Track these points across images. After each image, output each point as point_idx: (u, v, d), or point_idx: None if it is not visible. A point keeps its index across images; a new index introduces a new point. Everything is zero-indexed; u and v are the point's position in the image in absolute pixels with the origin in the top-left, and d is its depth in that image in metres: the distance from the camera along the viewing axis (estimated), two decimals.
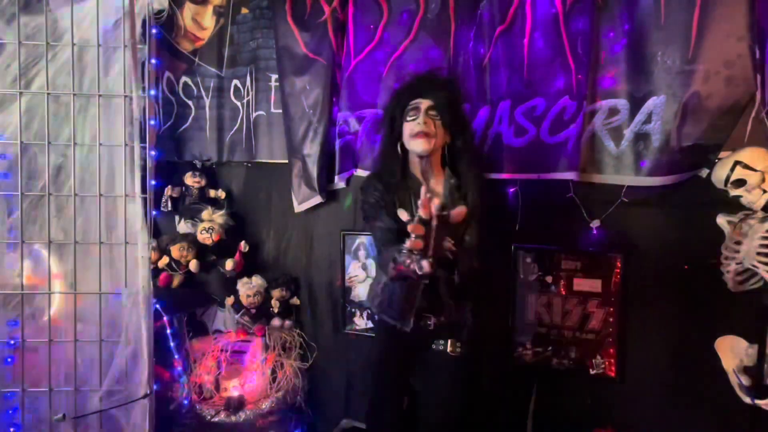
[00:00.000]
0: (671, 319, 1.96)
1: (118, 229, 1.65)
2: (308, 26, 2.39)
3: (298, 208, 2.52)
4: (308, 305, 2.63)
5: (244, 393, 2.42)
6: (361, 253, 2.47)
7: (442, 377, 1.73)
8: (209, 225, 2.58)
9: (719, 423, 1.89)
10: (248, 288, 2.51)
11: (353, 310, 2.52)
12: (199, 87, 2.72)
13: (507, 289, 2.19)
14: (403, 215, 1.25)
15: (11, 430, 1.69)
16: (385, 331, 1.85)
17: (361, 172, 2.39)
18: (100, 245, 1.64)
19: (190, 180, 2.70)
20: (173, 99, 2.75)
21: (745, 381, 1.75)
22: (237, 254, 2.58)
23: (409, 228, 1.18)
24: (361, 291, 2.49)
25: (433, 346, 1.75)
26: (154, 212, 1.78)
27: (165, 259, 2.53)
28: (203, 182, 2.71)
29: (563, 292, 2.12)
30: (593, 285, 2.06)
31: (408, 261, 1.25)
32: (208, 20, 2.69)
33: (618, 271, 2.01)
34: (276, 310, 2.57)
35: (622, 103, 1.93)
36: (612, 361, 2.05)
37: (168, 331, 2.37)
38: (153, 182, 1.69)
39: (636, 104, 1.90)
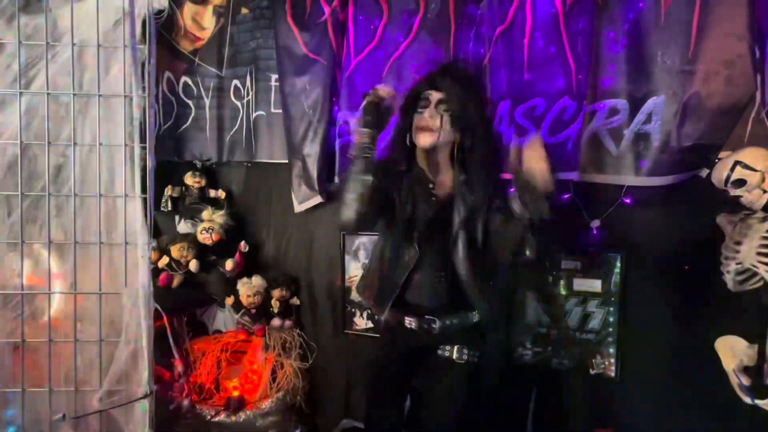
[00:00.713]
0: (671, 319, 1.96)
1: (118, 229, 1.65)
2: (308, 26, 2.39)
3: (298, 208, 2.52)
4: (308, 305, 2.63)
5: (244, 393, 2.42)
6: (361, 254, 2.47)
7: (446, 381, 1.71)
8: (209, 225, 2.58)
9: (719, 423, 1.89)
10: (248, 288, 2.51)
11: (353, 310, 2.52)
12: (199, 87, 2.72)
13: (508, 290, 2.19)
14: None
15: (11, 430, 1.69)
16: (389, 333, 1.84)
17: None
18: (100, 245, 1.63)
19: (190, 180, 2.70)
20: (173, 99, 2.75)
21: (745, 381, 1.75)
22: (237, 254, 2.59)
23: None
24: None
25: (439, 352, 1.71)
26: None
27: (165, 259, 2.53)
28: (203, 182, 2.71)
29: (563, 292, 2.12)
30: (593, 285, 2.06)
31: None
32: (208, 20, 2.69)
33: (618, 271, 2.01)
34: (276, 310, 2.57)
35: (622, 103, 1.93)
36: (612, 361, 2.05)
37: (168, 331, 2.37)
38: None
39: (636, 104, 1.90)
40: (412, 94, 1.69)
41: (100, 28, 1.59)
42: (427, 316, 1.68)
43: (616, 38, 1.92)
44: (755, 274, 1.70)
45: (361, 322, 2.50)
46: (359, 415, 2.49)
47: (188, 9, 2.70)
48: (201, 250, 2.59)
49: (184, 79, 2.74)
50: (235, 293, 2.55)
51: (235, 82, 2.66)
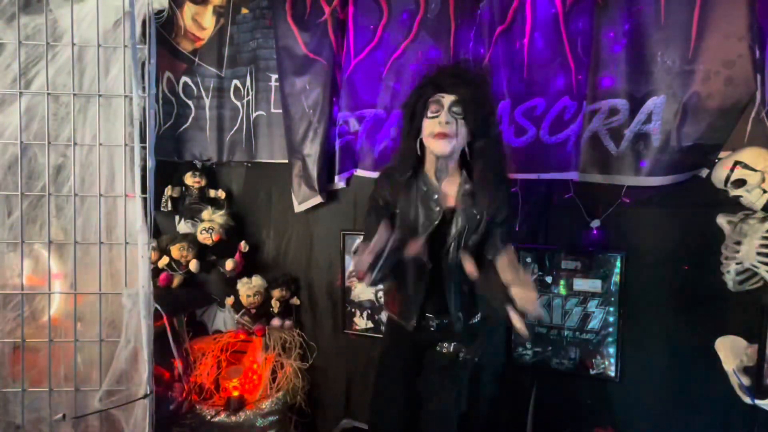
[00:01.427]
0: (671, 319, 1.96)
1: (118, 229, 1.65)
2: (308, 26, 2.39)
3: (298, 208, 2.52)
4: (308, 305, 2.63)
5: (244, 393, 2.42)
6: None
7: (445, 379, 1.71)
8: (209, 225, 2.58)
9: (719, 423, 1.89)
10: (248, 288, 2.51)
11: (353, 310, 2.52)
12: (199, 87, 2.72)
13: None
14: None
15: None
16: (390, 331, 1.84)
17: (362, 172, 2.39)
18: (100, 245, 1.64)
19: (190, 180, 2.70)
20: (173, 99, 2.75)
21: (745, 381, 1.75)
22: (237, 254, 2.59)
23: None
24: (361, 291, 2.49)
25: (437, 348, 1.73)
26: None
27: (165, 259, 2.53)
28: (203, 182, 2.71)
29: (563, 292, 2.12)
30: (593, 285, 2.06)
31: None
32: (208, 20, 2.69)
33: (618, 271, 2.01)
34: (276, 310, 2.57)
35: (622, 103, 1.93)
36: (612, 361, 2.05)
37: (168, 331, 2.37)
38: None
39: (636, 104, 1.90)
40: (418, 99, 1.61)
41: (100, 28, 1.59)
42: (454, 343, 1.70)
43: (616, 38, 1.92)
44: (755, 274, 1.70)
45: (361, 322, 2.50)
46: (359, 415, 2.49)
47: (188, 9, 2.70)
48: (201, 250, 2.59)
49: (184, 79, 2.74)
50: (235, 293, 2.56)
51: (235, 82, 2.66)
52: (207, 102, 2.72)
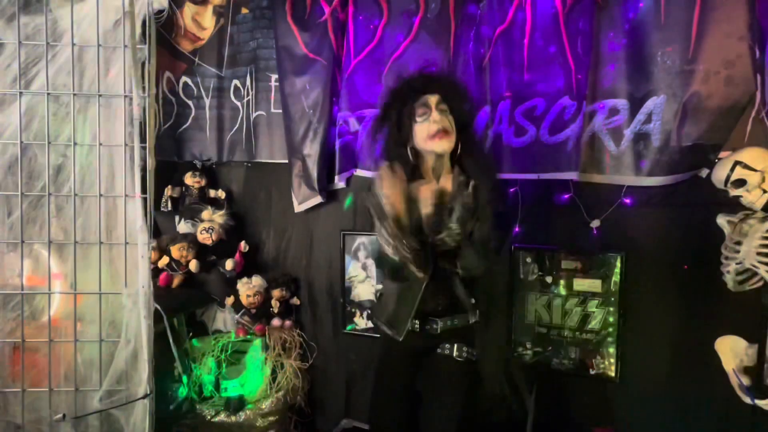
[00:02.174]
0: (671, 319, 1.96)
1: (118, 229, 1.65)
2: (308, 26, 2.39)
3: (298, 208, 2.52)
4: (308, 305, 2.63)
5: (243, 393, 2.42)
6: (361, 253, 2.47)
7: (446, 380, 1.71)
8: (209, 225, 2.58)
9: (719, 423, 1.89)
10: (248, 288, 2.51)
11: (353, 310, 2.52)
12: (199, 87, 2.72)
13: (507, 290, 2.19)
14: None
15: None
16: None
17: (361, 172, 2.39)
18: (100, 245, 1.64)
19: (190, 180, 2.70)
20: (173, 99, 2.76)
21: (745, 381, 1.75)
22: (237, 254, 2.59)
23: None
24: (361, 291, 2.49)
25: (438, 350, 1.71)
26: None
27: (165, 259, 2.53)
28: (203, 182, 2.71)
29: (563, 292, 2.12)
30: (593, 285, 2.06)
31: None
32: (208, 20, 2.69)
33: (618, 271, 2.01)
34: (276, 310, 2.57)
35: (622, 103, 1.93)
36: (612, 361, 2.05)
37: (168, 331, 2.37)
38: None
39: (636, 104, 1.90)
40: (402, 107, 1.63)
41: (100, 28, 1.59)
42: (429, 318, 1.67)
43: (616, 38, 1.92)
44: (755, 274, 1.70)
45: (361, 322, 2.50)
46: (359, 415, 2.49)
47: (188, 9, 2.70)
48: (201, 250, 2.59)
49: (184, 79, 2.74)
50: (235, 293, 2.56)
51: (235, 82, 2.66)
52: (207, 102, 2.72)
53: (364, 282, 2.47)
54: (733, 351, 1.81)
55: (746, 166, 1.68)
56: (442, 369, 1.71)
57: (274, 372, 2.48)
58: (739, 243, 1.71)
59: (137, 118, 1.56)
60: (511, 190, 2.13)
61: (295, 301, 2.63)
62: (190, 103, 2.75)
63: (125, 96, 1.60)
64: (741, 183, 1.69)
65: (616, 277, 2.02)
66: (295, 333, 2.56)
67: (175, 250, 2.52)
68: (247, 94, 2.64)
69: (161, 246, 2.55)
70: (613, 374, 2.05)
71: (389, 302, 1.74)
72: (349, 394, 2.54)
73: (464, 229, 1.61)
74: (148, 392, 1.62)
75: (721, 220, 1.78)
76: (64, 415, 1.59)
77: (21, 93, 1.61)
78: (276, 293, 2.55)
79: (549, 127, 2.02)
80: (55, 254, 1.67)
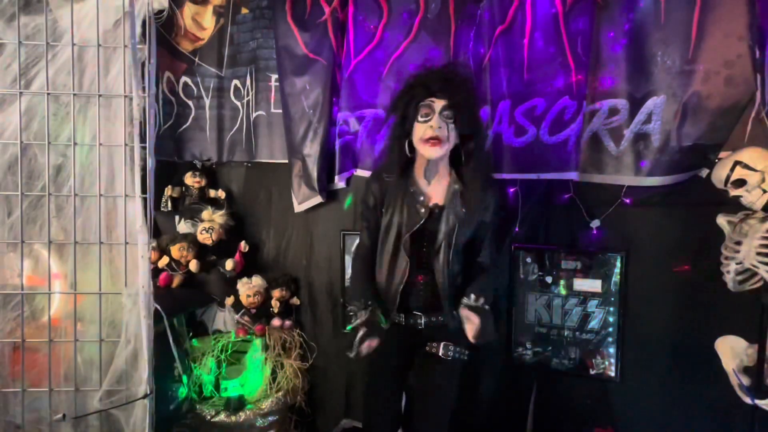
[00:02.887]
0: (671, 319, 1.96)
1: (118, 229, 1.65)
2: (308, 26, 2.39)
3: (298, 208, 2.52)
4: (308, 305, 2.63)
5: (243, 393, 2.42)
6: None
7: (437, 378, 1.72)
8: (209, 225, 2.58)
9: (719, 423, 1.89)
10: (248, 288, 2.51)
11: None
12: (199, 87, 2.72)
13: (507, 289, 2.19)
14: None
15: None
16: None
17: (361, 172, 2.39)
18: (100, 245, 1.64)
19: (190, 180, 2.70)
20: (173, 99, 2.75)
21: (745, 381, 1.75)
22: (237, 254, 2.59)
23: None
24: None
25: (426, 348, 1.74)
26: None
27: (165, 259, 2.53)
28: (203, 182, 2.71)
29: (563, 292, 2.12)
30: (593, 285, 2.06)
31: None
32: (208, 20, 2.69)
33: (618, 271, 2.01)
34: (276, 310, 2.57)
35: (622, 103, 1.93)
36: (612, 361, 2.05)
37: (168, 331, 2.37)
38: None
39: (636, 104, 1.90)
40: (408, 102, 1.66)
41: (100, 28, 1.59)
42: (443, 343, 1.71)
43: (616, 38, 1.92)
44: (755, 274, 1.70)
45: None
46: (359, 415, 2.49)
47: (188, 9, 2.70)
48: (201, 250, 2.59)
49: (184, 79, 2.74)
50: (235, 293, 2.55)
51: (235, 82, 2.66)
52: (207, 102, 2.72)
53: None
54: (733, 351, 1.81)
55: (746, 166, 1.68)
56: (431, 368, 1.73)
57: (274, 372, 2.48)
58: (739, 243, 1.71)
59: (137, 118, 1.56)
60: (511, 190, 2.13)
61: (295, 301, 2.63)
62: (190, 103, 2.75)
63: (125, 96, 1.60)
64: (741, 183, 1.69)
65: (616, 277, 2.02)
66: (295, 333, 2.56)
67: (175, 250, 2.52)
68: (247, 94, 2.64)
69: (161, 246, 2.55)
70: (613, 374, 2.05)
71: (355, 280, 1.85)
72: (349, 394, 2.54)
73: (455, 236, 1.63)
74: (148, 392, 1.62)
75: (721, 220, 1.78)
76: (64, 415, 1.59)
77: (21, 93, 1.61)
78: (276, 293, 2.55)
79: (549, 127, 2.02)
80: (55, 254, 1.67)
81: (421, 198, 1.69)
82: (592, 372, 2.09)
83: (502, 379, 2.23)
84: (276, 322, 2.55)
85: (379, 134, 2.31)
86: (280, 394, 2.43)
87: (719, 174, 1.75)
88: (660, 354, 1.98)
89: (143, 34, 1.60)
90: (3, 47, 1.63)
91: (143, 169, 1.59)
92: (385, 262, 1.73)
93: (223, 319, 2.74)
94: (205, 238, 2.57)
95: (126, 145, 1.61)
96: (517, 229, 2.14)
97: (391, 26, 2.24)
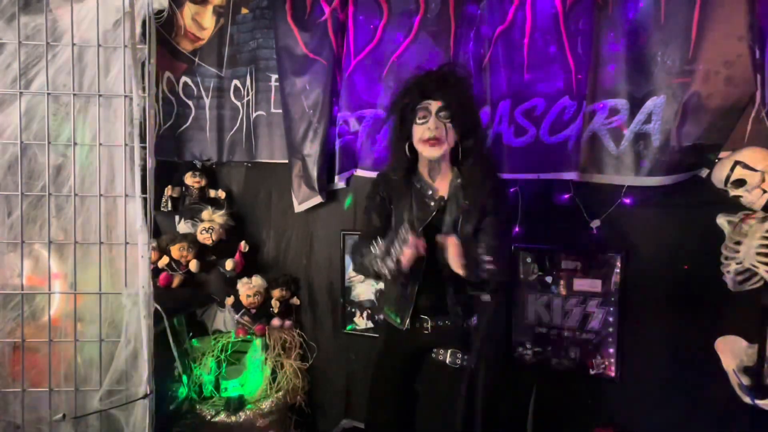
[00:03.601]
0: (671, 319, 1.96)
1: (118, 229, 1.65)
2: (308, 26, 2.39)
3: (298, 208, 2.52)
4: (308, 305, 2.63)
5: (243, 393, 2.42)
6: None
7: (443, 384, 1.72)
8: (209, 225, 2.58)
9: (719, 423, 1.89)
10: (248, 288, 2.51)
11: (353, 310, 2.51)
12: (199, 87, 2.72)
13: (507, 289, 2.19)
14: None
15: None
16: (386, 333, 1.84)
17: (361, 172, 2.39)
18: (100, 245, 1.63)
19: (190, 180, 2.70)
20: (173, 99, 2.75)
21: (745, 381, 1.75)
22: (237, 254, 2.59)
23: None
24: (361, 291, 2.49)
25: (432, 356, 1.73)
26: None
27: (165, 259, 2.53)
28: (203, 182, 2.71)
29: (563, 292, 2.12)
30: (593, 285, 2.06)
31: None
32: (208, 20, 2.69)
33: (618, 271, 2.01)
34: (276, 310, 2.57)
35: (622, 103, 1.93)
36: (612, 361, 2.05)
37: (168, 331, 2.37)
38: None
39: (636, 104, 1.90)
40: (405, 105, 1.68)
41: (100, 28, 1.59)
42: (450, 350, 1.71)
43: (616, 38, 1.92)
44: (755, 274, 1.70)
45: (361, 322, 2.50)
46: (359, 415, 2.49)
47: (188, 9, 2.70)
48: (201, 250, 2.59)
49: (184, 79, 2.74)
50: (235, 293, 2.55)
51: (235, 82, 2.66)
52: (207, 102, 2.72)
53: (364, 282, 2.47)
54: (733, 351, 1.81)
55: (746, 166, 1.68)
56: (438, 376, 1.73)
57: (274, 372, 2.48)
58: (739, 243, 1.71)
59: (137, 118, 1.56)
60: (511, 190, 2.13)
61: (295, 301, 2.63)
62: (190, 103, 2.75)
63: (125, 96, 1.60)
64: (741, 183, 1.69)
65: (616, 277, 2.02)
66: (295, 333, 2.56)
67: (175, 250, 2.52)
68: (247, 94, 2.64)
69: (161, 246, 2.55)
70: (613, 374, 2.05)
71: (391, 295, 1.77)
72: (349, 394, 2.54)
73: (459, 229, 1.63)
74: (148, 392, 1.62)
75: (721, 220, 1.78)
76: (64, 415, 1.59)
77: (21, 93, 1.61)
78: (276, 293, 2.55)
79: (549, 127, 2.02)
80: (55, 254, 1.67)
81: (430, 192, 1.71)
82: (592, 372, 2.09)
83: (502, 379, 2.23)
84: (276, 322, 2.55)
85: (379, 134, 2.32)
86: (280, 394, 2.43)
87: (719, 174, 1.75)
88: (660, 354, 1.99)
89: (143, 34, 1.60)
90: (3, 47, 1.63)
91: (143, 169, 1.59)
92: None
93: (223, 319, 2.74)
94: (205, 238, 2.57)
95: (126, 145, 1.61)
96: (517, 229, 2.14)
97: (391, 26, 2.24)
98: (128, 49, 1.55)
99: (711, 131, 1.80)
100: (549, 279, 2.14)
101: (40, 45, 1.60)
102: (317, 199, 2.46)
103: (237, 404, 2.35)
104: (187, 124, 2.76)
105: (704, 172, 1.85)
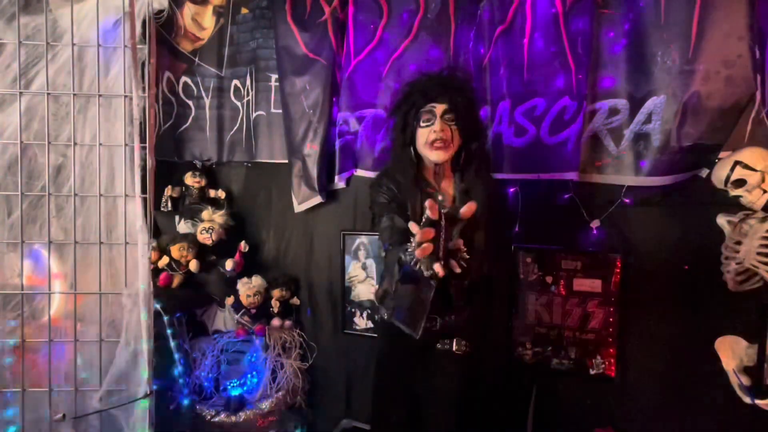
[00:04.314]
0: (671, 319, 1.96)
1: (118, 229, 1.65)
2: (308, 26, 2.39)
3: (298, 208, 2.52)
4: (308, 305, 2.63)
5: (244, 393, 2.42)
6: (361, 253, 2.47)
7: (446, 377, 1.72)
8: (209, 225, 2.58)
9: (719, 423, 1.89)
10: (248, 288, 2.51)
11: (353, 310, 2.52)
12: (199, 87, 2.72)
13: (507, 289, 2.19)
14: (414, 228, 1.22)
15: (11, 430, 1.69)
16: (389, 333, 1.84)
17: (362, 172, 2.39)
18: (100, 245, 1.64)
19: (190, 180, 2.70)
20: (173, 99, 2.75)
21: (745, 381, 1.75)
22: (237, 254, 2.58)
23: (418, 236, 1.16)
24: (361, 291, 2.49)
25: (438, 346, 1.73)
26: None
27: (165, 259, 2.53)
28: (203, 182, 2.71)
29: (563, 292, 2.12)
30: (593, 285, 2.06)
31: (415, 263, 1.25)
32: (208, 20, 2.69)
33: (618, 271, 2.01)
34: (276, 310, 2.57)
35: (622, 103, 1.93)
36: (612, 361, 2.05)
37: (168, 331, 2.37)
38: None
39: (636, 104, 1.90)
40: (409, 109, 1.65)
41: (100, 28, 1.59)
42: (455, 339, 1.71)
43: (616, 38, 1.92)
44: (755, 274, 1.70)
45: (361, 322, 2.50)
46: (359, 415, 2.49)
47: (188, 9, 2.70)
48: (201, 250, 2.59)
49: (184, 79, 2.74)
50: (235, 293, 2.55)
51: (235, 82, 2.66)
52: (207, 102, 2.72)
53: (364, 282, 2.47)
54: (733, 351, 1.81)
55: (746, 166, 1.68)
56: (442, 364, 1.73)
57: (274, 372, 2.48)
58: (739, 243, 1.71)
59: (137, 118, 1.56)
60: (511, 190, 2.13)
61: (295, 301, 2.63)
62: (190, 103, 2.75)
63: (125, 96, 1.60)
64: (741, 183, 1.69)
65: (616, 277, 2.02)
66: (295, 333, 2.56)
67: (175, 250, 2.52)
68: (247, 94, 2.64)
69: (161, 246, 2.55)
70: (613, 374, 2.05)
71: (405, 303, 1.74)
72: (349, 394, 2.54)
73: (464, 236, 1.62)
74: (148, 392, 1.62)
75: (721, 220, 1.78)
76: (64, 415, 1.59)
77: (21, 93, 1.61)
78: (276, 293, 2.55)
79: (549, 127, 2.02)
80: (55, 254, 1.67)
81: (440, 197, 1.67)
82: (592, 372, 2.09)
83: (502, 377, 2.23)
84: (276, 322, 2.55)
85: (379, 134, 2.32)
86: (280, 394, 2.43)
87: (719, 174, 1.75)
88: (660, 354, 1.98)
89: (143, 34, 1.60)
90: (3, 47, 1.64)
91: (143, 169, 1.60)
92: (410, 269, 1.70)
93: (223, 319, 2.74)
94: (205, 238, 2.57)
95: (126, 145, 1.61)
96: (517, 229, 2.14)
97: (391, 26, 2.24)
98: (128, 49, 1.55)
99: (711, 131, 1.80)
100: (549, 279, 2.14)
101: (40, 45, 1.60)
102: (317, 199, 2.46)
103: (237, 404, 2.35)
104: (187, 124, 2.76)
105: (704, 172, 1.85)
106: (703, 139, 1.81)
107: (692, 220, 1.89)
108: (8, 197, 1.65)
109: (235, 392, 2.41)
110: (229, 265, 2.54)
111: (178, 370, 2.42)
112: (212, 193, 2.73)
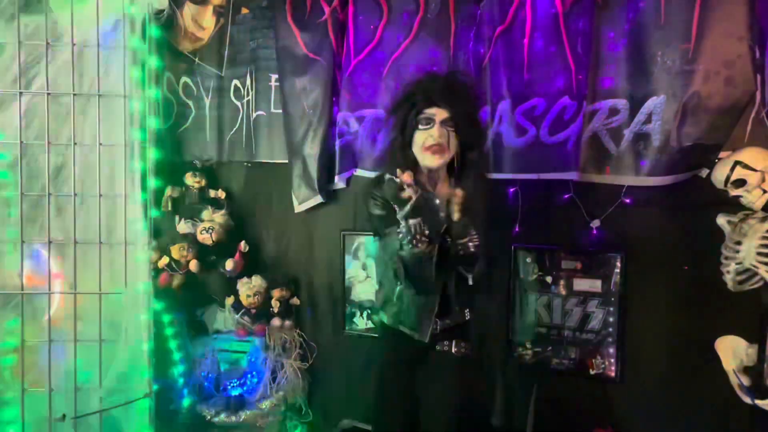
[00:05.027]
0: (671, 319, 1.96)
1: (118, 229, 1.65)
2: (308, 26, 2.39)
3: (298, 208, 2.52)
4: (308, 305, 2.63)
5: (244, 393, 2.43)
6: (361, 253, 2.47)
7: (445, 378, 1.72)
8: (209, 225, 2.58)
9: (719, 423, 1.89)
10: (248, 288, 2.51)
11: (353, 310, 2.52)
12: (199, 87, 2.72)
13: (507, 289, 2.19)
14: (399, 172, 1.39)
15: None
16: (389, 336, 1.84)
17: (362, 172, 2.39)
18: (100, 245, 1.64)
19: (190, 180, 2.70)
20: (173, 99, 2.75)
21: (745, 381, 1.75)
22: (237, 254, 2.58)
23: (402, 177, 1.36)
24: (361, 291, 2.49)
25: (438, 347, 1.73)
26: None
27: (165, 259, 2.53)
28: (203, 182, 2.71)
29: (563, 292, 2.12)
30: (593, 285, 2.06)
31: (410, 240, 1.42)
32: (208, 20, 2.69)
33: (618, 271, 2.01)
34: (276, 310, 2.57)
35: (622, 103, 1.93)
36: (612, 361, 2.05)
37: (168, 331, 2.37)
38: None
39: (636, 104, 1.90)
40: (409, 111, 1.63)
41: (100, 29, 1.59)
42: (454, 341, 1.71)
43: (616, 38, 1.92)
44: (755, 274, 1.70)
45: (361, 322, 2.50)
46: (359, 415, 2.49)
47: (188, 9, 2.70)
48: (201, 250, 2.59)
49: (184, 79, 2.74)
50: (235, 293, 2.55)
51: (235, 82, 2.66)
52: (207, 102, 2.71)
53: (364, 282, 2.47)
54: (733, 351, 1.81)
55: (746, 166, 1.68)
56: (439, 366, 1.73)
57: (274, 372, 2.48)
58: (739, 243, 1.71)
59: (137, 118, 1.57)
60: (511, 190, 2.13)
61: (295, 301, 2.63)
62: (190, 103, 2.75)
63: (125, 96, 1.60)
64: (741, 183, 1.69)
65: (616, 277, 2.02)
66: (295, 333, 2.56)
67: (175, 250, 2.52)
68: (247, 94, 2.64)
69: (161, 246, 2.55)
70: (613, 374, 2.05)
71: (411, 308, 1.73)
72: (349, 394, 2.54)
73: (458, 237, 1.62)
74: (148, 392, 1.62)
75: (721, 220, 1.78)
76: (64, 415, 1.59)
77: (21, 93, 1.61)
78: (276, 293, 2.55)
79: (549, 127, 2.02)
80: (55, 254, 1.67)
81: (437, 201, 1.65)
82: (592, 372, 2.09)
83: (502, 377, 2.23)
84: (276, 322, 2.55)
85: (379, 134, 2.32)
86: (280, 394, 2.43)
87: (719, 174, 1.75)
88: (660, 354, 1.98)
89: (143, 34, 1.60)
90: (3, 47, 1.64)
91: (143, 169, 1.60)
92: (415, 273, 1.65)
93: (223, 319, 2.74)
94: (205, 238, 2.56)
95: (126, 145, 1.61)
96: (517, 229, 2.14)
97: (391, 26, 2.24)
98: (128, 49, 1.56)
99: (711, 131, 1.80)
100: (549, 279, 2.14)
101: (40, 45, 1.60)
102: (317, 199, 2.46)
103: (237, 404, 2.35)
104: (187, 124, 2.76)
105: (704, 172, 1.84)
106: (703, 139, 1.81)
107: (692, 220, 1.89)
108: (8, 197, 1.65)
109: (235, 392, 2.41)
110: (229, 265, 2.54)
111: (178, 370, 2.42)
112: (212, 193, 2.73)
